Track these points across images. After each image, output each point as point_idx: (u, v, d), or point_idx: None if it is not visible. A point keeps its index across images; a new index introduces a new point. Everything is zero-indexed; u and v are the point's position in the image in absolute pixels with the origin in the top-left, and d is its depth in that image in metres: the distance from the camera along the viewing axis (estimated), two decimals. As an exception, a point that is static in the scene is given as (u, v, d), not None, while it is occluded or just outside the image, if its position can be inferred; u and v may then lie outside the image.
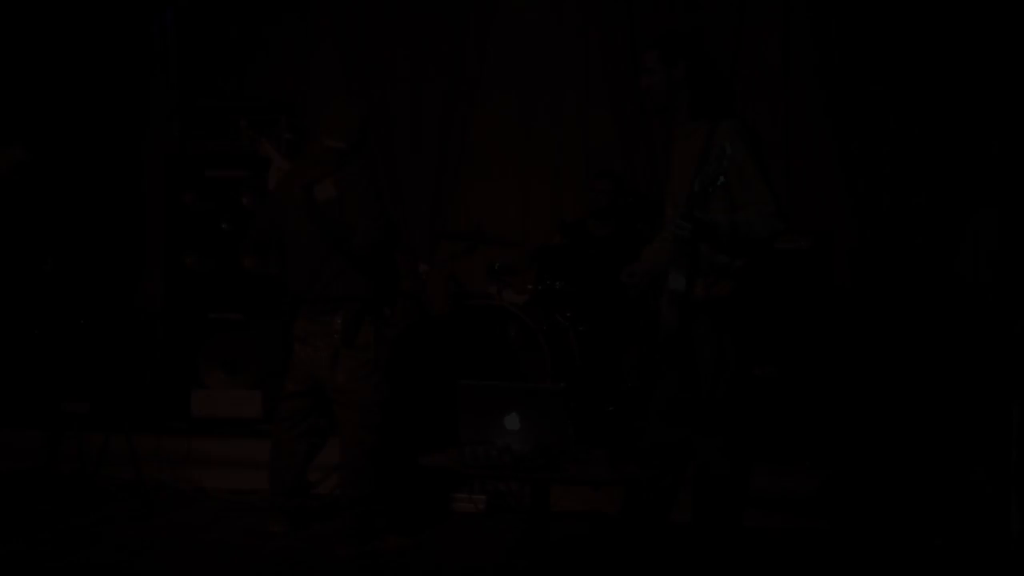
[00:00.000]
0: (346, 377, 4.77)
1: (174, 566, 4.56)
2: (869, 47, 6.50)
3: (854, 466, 5.39)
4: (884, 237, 6.44)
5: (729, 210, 4.00)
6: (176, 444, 5.92)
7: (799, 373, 5.55)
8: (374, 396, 4.79)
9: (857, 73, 6.50)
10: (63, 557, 4.66)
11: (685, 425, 4.18)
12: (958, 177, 6.34)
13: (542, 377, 5.71)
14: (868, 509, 5.04)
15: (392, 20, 7.25)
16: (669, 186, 4.24)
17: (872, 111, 6.50)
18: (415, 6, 7.24)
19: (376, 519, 4.79)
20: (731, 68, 6.70)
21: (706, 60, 4.22)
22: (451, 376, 5.82)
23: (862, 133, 6.49)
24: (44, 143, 6.79)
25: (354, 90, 7.22)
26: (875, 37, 6.49)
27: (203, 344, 6.17)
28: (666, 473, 4.17)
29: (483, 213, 7.14)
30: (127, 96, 7.59)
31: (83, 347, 6.13)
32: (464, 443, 3.82)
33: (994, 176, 6.33)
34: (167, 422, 6.09)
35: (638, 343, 5.83)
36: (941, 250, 6.35)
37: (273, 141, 5.44)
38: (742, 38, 6.73)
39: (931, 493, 4.63)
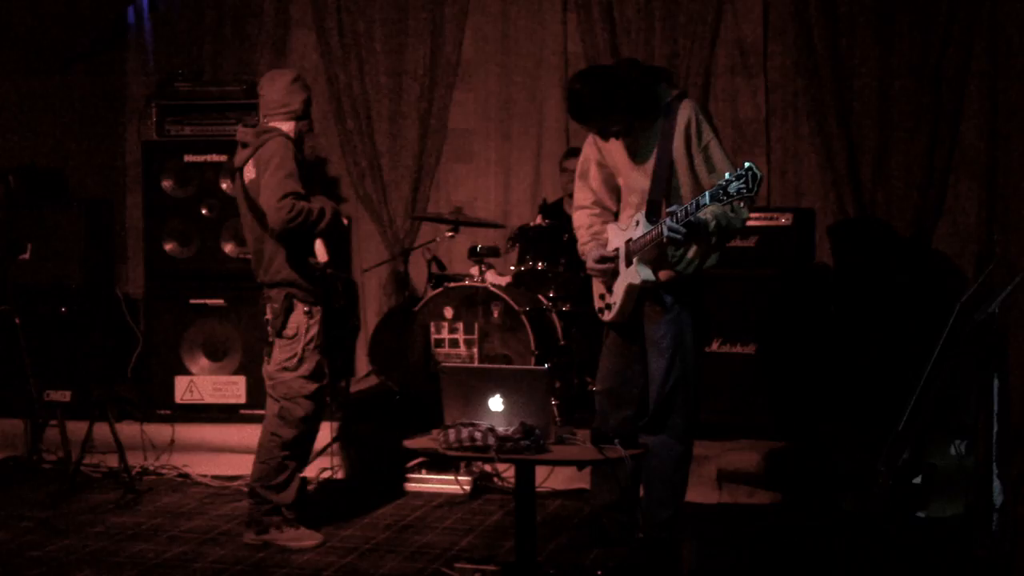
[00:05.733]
0: (273, 366, 4.69)
1: (159, 553, 4.55)
2: (847, 23, 6.50)
3: (831, 441, 5.43)
4: (863, 214, 6.46)
5: (696, 190, 4.14)
6: (160, 431, 5.90)
7: (780, 350, 5.57)
8: (298, 389, 4.65)
9: (835, 49, 6.49)
10: (47, 546, 4.65)
11: (629, 406, 4.40)
12: (936, 153, 6.36)
13: (525, 358, 5.71)
14: (850, 483, 5.06)
15: (369, 1, 7.21)
16: (623, 170, 4.38)
17: (851, 87, 6.51)
18: (393, -14, 7.20)
19: (278, 509, 4.64)
20: (711, 45, 6.70)
21: (639, 83, 4.25)
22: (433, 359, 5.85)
23: (841, 110, 6.50)
24: (20, 130, 6.78)
25: (331, 73, 7.19)
26: (853, 13, 6.49)
27: (185, 330, 6.14)
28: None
29: (464, 195, 7.14)
30: (104, 82, 7.55)
31: (64, 335, 6.10)
32: (448, 425, 3.83)
33: (972, 151, 6.36)
34: (151, 409, 6.07)
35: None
36: (920, 226, 6.38)
37: None
38: (722, 15, 6.72)
39: (912, 467, 4.65)
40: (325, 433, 5.08)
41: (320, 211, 4.61)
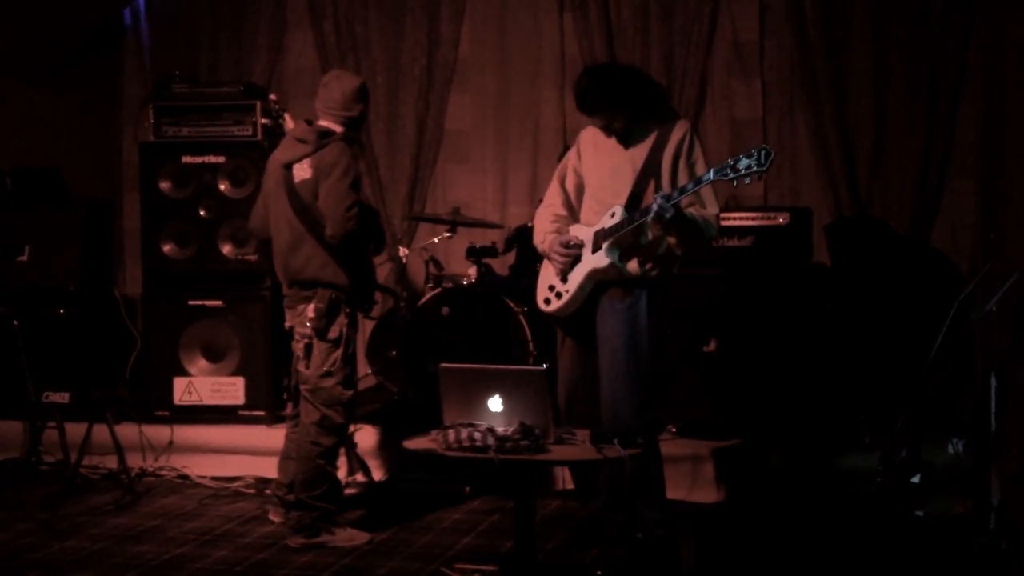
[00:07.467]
0: (313, 370, 4.64)
1: (159, 554, 4.55)
2: (843, 23, 6.52)
3: (830, 440, 5.44)
4: (860, 213, 6.47)
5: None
6: (159, 432, 5.89)
7: (777, 349, 5.58)
8: (338, 396, 4.65)
9: (831, 49, 6.51)
10: (46, 547, 4.65)
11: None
12: (932, 152, 6.37)
13: (524, 358, 5.72)
14: (850, 481, 5.08)
15: (366, 1, 7.21)
16: (600, 173, 4.45)
17: (847, 87, 6.52)
18: (390, -13, 7.21)
19: (328, 515, 4.65)
20: (708, 46, 6.71)
21: (645, 84, 4.45)
22: (434, 359, 5.84)
23: (837, 109, 6.51)
24: (17, 131, 6.78)
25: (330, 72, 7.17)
26: (849, 13, 6.50)
27: (184, 331, 6.14)
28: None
29: (462, 195, 7.14)
30: (101, 83, 7.55)
31: (63, 337, 6.10)
32: (447, 426, 3.83)
33: (968, 150, 6.37)
34: (149, 410, 6.07)
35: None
36: (917, 225, 6.39)
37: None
38: (718, 16, 6.73)
39: (910, 465, 4.67)
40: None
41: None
